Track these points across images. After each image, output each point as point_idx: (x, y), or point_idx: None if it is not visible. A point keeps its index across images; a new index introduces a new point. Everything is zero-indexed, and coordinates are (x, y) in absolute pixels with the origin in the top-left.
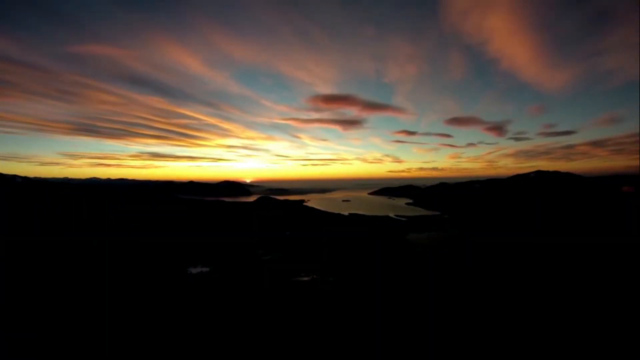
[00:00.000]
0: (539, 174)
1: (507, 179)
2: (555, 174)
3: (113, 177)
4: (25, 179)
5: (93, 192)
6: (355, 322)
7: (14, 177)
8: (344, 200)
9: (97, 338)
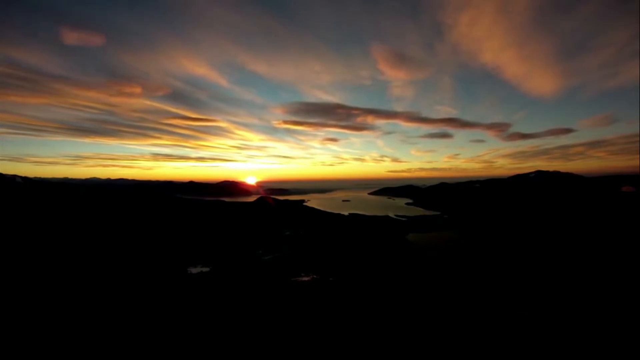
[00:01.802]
0: (539, 174)
1: (507, 179)
2: (556, 174)
3: (113, 177)
4: (26, 179)
5: (93, 192)
6: (355, 322)
7: (14, 177)
8: (344, 200)
9: (97, 338)
